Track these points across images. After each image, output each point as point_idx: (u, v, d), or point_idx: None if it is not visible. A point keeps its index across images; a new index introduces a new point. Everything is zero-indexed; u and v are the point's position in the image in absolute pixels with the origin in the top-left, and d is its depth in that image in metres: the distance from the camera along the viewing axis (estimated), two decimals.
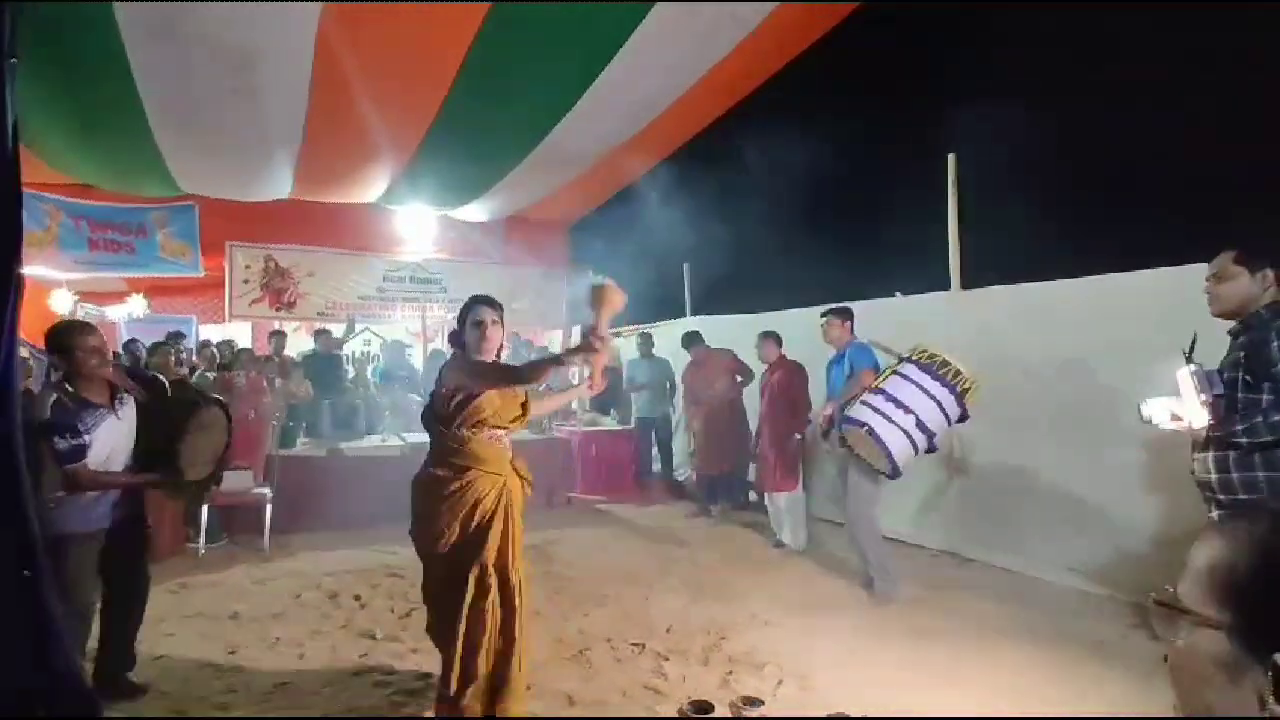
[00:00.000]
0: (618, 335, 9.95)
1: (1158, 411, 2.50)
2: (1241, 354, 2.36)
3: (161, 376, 3.42)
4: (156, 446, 3.04)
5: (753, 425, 6.24)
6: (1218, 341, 2.49)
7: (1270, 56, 4.68)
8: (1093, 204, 6.53)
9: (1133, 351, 4.13)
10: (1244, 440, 2.27)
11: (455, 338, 2.79)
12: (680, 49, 5.68)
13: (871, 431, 3.92)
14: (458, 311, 2.81)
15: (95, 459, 2.79)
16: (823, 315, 4.91)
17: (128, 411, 2.97)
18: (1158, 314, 4.09)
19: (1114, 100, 6.23)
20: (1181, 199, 5.62)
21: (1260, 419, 2.23)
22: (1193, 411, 2.36)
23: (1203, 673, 0.60)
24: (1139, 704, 2.92)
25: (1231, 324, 2.48)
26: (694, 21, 5.25)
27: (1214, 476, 2.35)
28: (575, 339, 10.59)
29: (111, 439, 2.86)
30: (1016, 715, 2.87)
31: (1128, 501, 4.20)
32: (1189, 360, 2.40)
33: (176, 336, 7.05)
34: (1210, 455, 2.38)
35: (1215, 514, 2.37)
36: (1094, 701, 3.00)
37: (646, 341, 7.84)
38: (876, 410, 3.97)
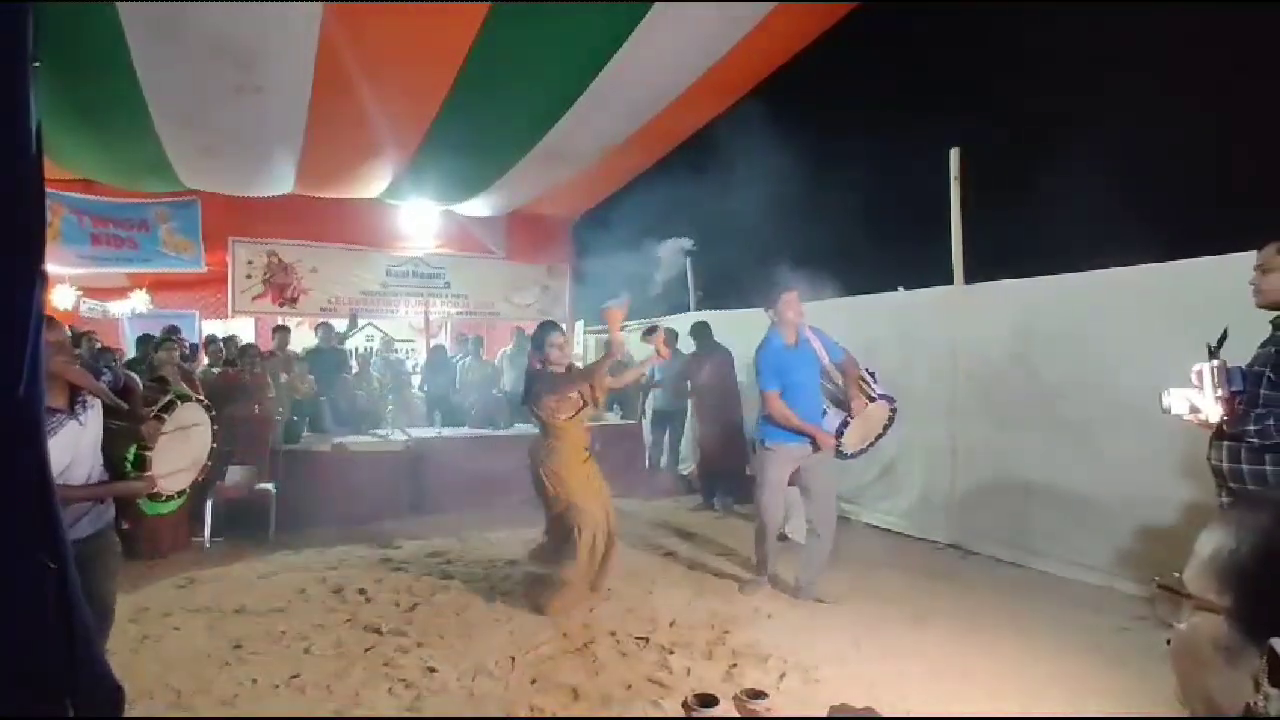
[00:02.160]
0: (622, 330, 9.94)
1: (1178, 401, 2.50)
2: (1274, 349, 2.37)
3: (135, 375, 3.17)
4: (123, 453, 2.77)
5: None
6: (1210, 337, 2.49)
7: (1270, 52, 4.67)
8: (1095, 198, 6.53)
9: (1135, 346, 4.16)
10: (1255, 441, 2.29)
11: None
12: (682, 46, 5.67)
13: (895, 408, 4.19)
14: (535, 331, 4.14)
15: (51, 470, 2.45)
16: (786, 291, 4.28)
17: (91, 416, 2.58)
18: (1161, 308, 4.11)
19: (1117, 94, 6.22)
20: (1184, 194, 5.62)
21: (1272, 422, 2.24)
22: (1209, 405, 2.38)
23: (1202, 656, 0.62)
24: (1141, 696, 2.93)
25: (1272, 315, 2.47)
26: (695, 18, 5.24)
27: (1225, 465, 2.41)
28: (579, 334, 10.68)
29: (71, 447, 2.45)
30: (1017, 714, 2.88)
31: (1130, 494, 4.21)
32: (1213, 355, 2.39)
33: (171, 330, 7.03)
34: (1224, 445, 2.42)
35: (1224, 500, 2.42)
36: (1096, 693, 3.01)
37: (671, 337, 7.82)
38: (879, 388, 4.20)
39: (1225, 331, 2.45)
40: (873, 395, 4.18)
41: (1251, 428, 2.29)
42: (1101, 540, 4.37)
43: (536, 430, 4.32)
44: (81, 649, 1.24)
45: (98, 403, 2.62)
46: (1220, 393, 2.36)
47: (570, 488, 4.06)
